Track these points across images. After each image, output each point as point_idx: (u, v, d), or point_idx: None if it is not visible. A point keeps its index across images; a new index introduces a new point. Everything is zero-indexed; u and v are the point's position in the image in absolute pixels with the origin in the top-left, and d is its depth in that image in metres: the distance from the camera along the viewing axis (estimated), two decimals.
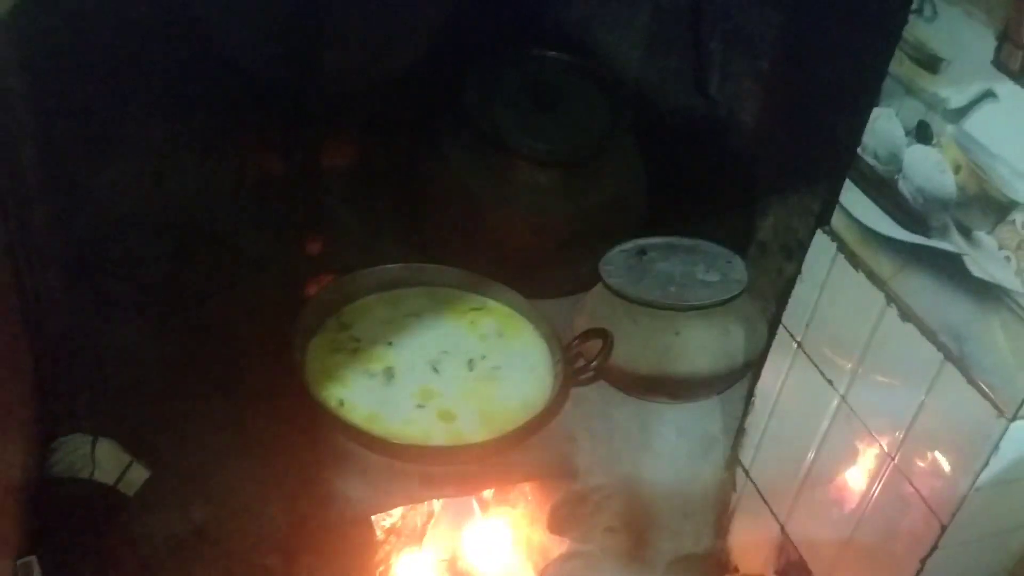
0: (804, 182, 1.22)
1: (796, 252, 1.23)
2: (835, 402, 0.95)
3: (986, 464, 0.77)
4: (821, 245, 0.96)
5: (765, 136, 1.29)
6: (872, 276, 0.89)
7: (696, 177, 1.42)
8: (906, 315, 0.84)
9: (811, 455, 1.00)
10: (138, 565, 0.91)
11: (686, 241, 1.27)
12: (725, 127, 1.36)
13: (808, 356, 0.99)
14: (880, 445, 0.89)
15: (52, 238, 1.12)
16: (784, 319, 1.03)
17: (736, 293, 1.15)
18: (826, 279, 0.96)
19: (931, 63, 0.78)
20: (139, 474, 0.92)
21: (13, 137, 0.85)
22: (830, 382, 0.96)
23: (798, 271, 1.17)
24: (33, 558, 0.78)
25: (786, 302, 1.07)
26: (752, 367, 1.17)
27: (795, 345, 1.01)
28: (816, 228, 1.04)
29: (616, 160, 1.34)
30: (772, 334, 1.10)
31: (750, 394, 1.12)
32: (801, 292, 1.00)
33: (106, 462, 0.91)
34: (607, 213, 1.31)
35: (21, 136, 0.86)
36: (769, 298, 1.27)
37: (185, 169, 1.36)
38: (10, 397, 0.82)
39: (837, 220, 0.94)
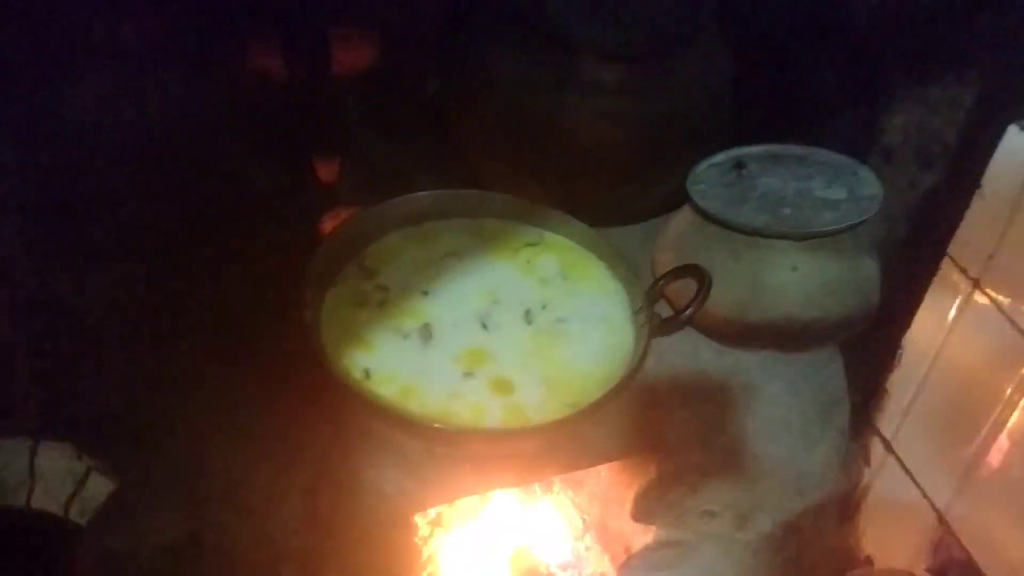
0: (954, 66, 0.94)
1: (938, 159, 0.96)
2: None
3: None
4: (1014, 147, 0.70)
5: (895, 10, 1.00)
6: None
7: (797, 68, 1.14)
8: None
9: (988, 427, 0.76)
10: None
11: (794, 149, 1.00)
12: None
13: (990, 298, 0.74)
14: None
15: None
16: (952, 249, 0.77)
17: (872, 213, 0.88)
18: (1022, 193, 0.69)
19: None
20: (101, 486, 0.70)
21: None
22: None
23: (940, 185, 0.92)
24: None
25: (934, 225, 0.81)
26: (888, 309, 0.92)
27: (968, 284, 0.76)
28: (977, 127, 0.78)
29: (699, 51, 1.06)
30: (917, 269, 0.85)
31: (893, 344, 0.87)
32: (980, 212, 0.74)
33: (52, 475, 0.69)
34: (690, 117, 1.04)
35: None
36: (898, 219, 1.01)
37: (168, 83, 1.11)
38: None
39: None
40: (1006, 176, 0.70)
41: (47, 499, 0.68)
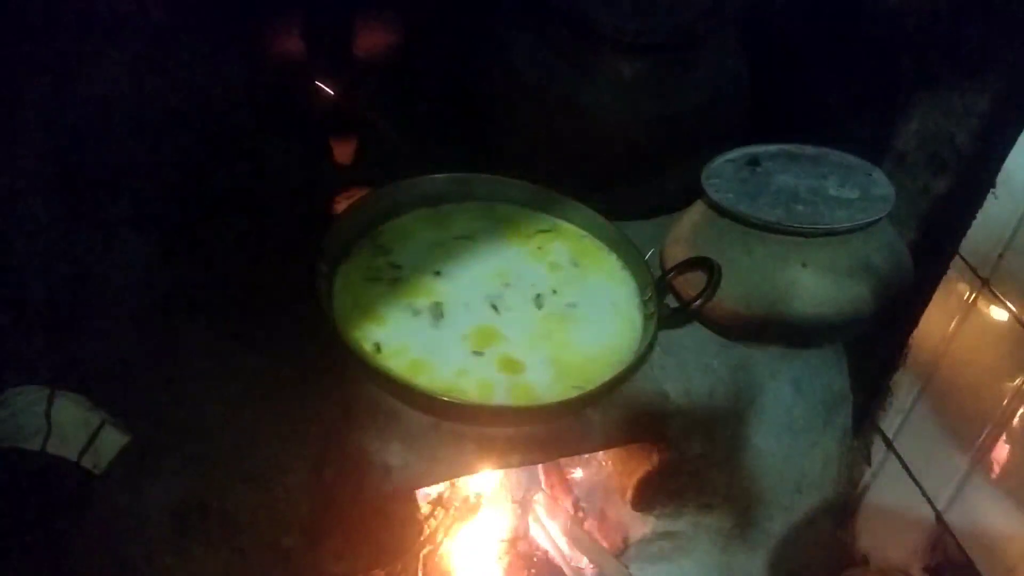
0: (969, 72, 0.94)
1: (951, 164, 0.97)
2: None
3: None
4: None
5: (913, 10, 1.01)
6: None
7: (813, 71, 1.15)
8: None
9: (991, 428, 0.76)
10: (117, 550, 0.70)
11: (809, 149, 1.01)
12: (856, 2, 1.08)
13: (999, 298, 0.74)
14: None
15: (24, 136, 0.90)
16: (963, 248, 0.78)
17: (883, 213, 0.89)
18: None
19: None
20: (114, 439, 0.71)
21: None
22: None
23: (952, 189, 0.93)
24: None
25: (945, 228, 0.82)
26: (895, 308, 0.92)
27: (978, 283, 0.76)
28: (991, 131, 0.78)
29: (717, 50, 1.08)
30: (928, 270, 0.85)
31: (899, 344, 0.88)
32: (992, 213, 0.75)
33: (67, 424, 0.69)
34: (707, 113, 1.05)
35: None
36: (909, 223, 1.01)
37: (192, 59, 1.12)
38: None
39: None
40: (1020, 176, 0.71)
41: (62, 447, 0.69)
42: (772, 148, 1.01)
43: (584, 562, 1.01)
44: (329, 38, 1.13)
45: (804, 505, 0.97)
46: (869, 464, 0.92)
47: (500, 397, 0.81)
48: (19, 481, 0.67)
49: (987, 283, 0.75)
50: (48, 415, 0.70)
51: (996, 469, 0.77)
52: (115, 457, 0.72)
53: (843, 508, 0.96)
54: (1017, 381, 0.73)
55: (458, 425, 0.83)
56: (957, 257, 0.78)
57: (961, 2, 0.94)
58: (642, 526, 0.97)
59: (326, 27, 1.14)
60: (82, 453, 0.70)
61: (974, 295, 0.76)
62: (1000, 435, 0.76)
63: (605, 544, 0.99)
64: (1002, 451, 0.76)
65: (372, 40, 1.18)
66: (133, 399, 0.80)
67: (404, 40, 1.18)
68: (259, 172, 1.11)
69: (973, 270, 0.76)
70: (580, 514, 1.02)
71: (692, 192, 0.99)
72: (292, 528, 0.82)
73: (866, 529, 0.94)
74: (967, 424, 0.78)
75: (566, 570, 1.00)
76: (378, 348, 0.84)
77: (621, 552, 0.98)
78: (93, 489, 0.70)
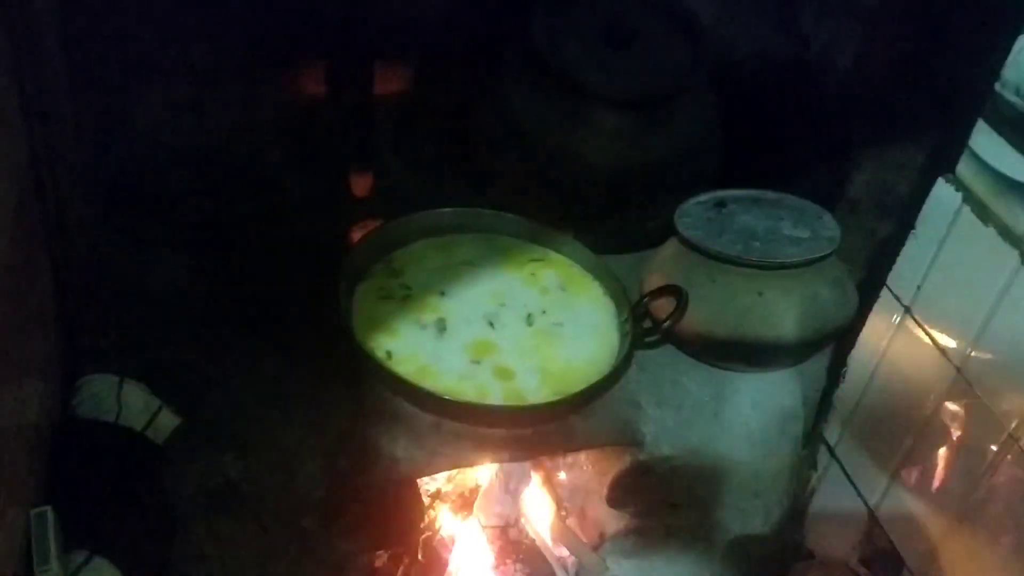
0: (908, 132, 1.09)
1: (894, 210, 1.11)
2: (950, 375, 0.84)
3: None
4: (942, 195, 0.85)
5: (863, 80, 1.16)
6: (1005, 231, 0.77)
7: (777, 127, 1.29)
8: None
9: (913, 435, 0.89)
10: (165, 517, 0.83)
11: (770, 194, 1.15)
12: (815, 70, 1.23)
13: (918, 322, 0.88)
14: (1003, 425, 0.78)
15: (86, 165, 1.04)
16: (889, 280, 0.92)
17: (829, 251, 1.03)
18: (946, 235, 0.84)
19: None
20: (169, 421, 0.84)
21: (42, 57, 0.76)
22: (943, 352, 0.84)
23: (894, 232, 1.06)
24: (48, 509, 0.70)
25: (884, 264, 0.96)
26: (840, 335, 1.06)
27: (902, 310, 0.90)
28: (923, 182, 0.92)
29: (692, 105, 1.22)
30: (865, 300, 0.99)
31: (840, 364, 1.01)
32: (913, 249, 0.89)
33: (133, 406, 0.83)
34: (682, 161, 1.19)
35: (50, 57, 0.76)
36: (858, 261, 1.15)
37: (227, 100, 1.26)
38: (26, 325, 0.73)
39: (965, 167, 0.83)
40: (934, 220, 0.85)
41: (129, 424, 0.82)
42: (738, 192, 1.15)
43: (565, 552, 1.13)
44: (352, 85, 1.28)
45: (760, 507, 1.09)
46: (816, 470, 1.05)
47: (495, 400, 0.94)
48: (97, 447, 0.80)
49: (909, 310, 0.88)
50: (119, 397, 0.83)
51: (918, 470, 0.89)
52: (169, 437, 0.84)
53: (793, 510, 1.08)
54: (935, 394, 0.86)
55: (457, 424, 0.96)
56: (885, 287, 0.91)
57: (901, 74, 1.09)
58: (617, 523, 1.09)
59: (348, 76, 1.28)
60: (145, 428, 0.83)
61: (899, 319, 0.90)
62: (921, 441, 0.89)
63: (584, 538, 1.11)
64: (923, 455, 0.89)
65: (388, 88, 1.33)
66: (180, 392, 0.92)
67: (416, 89, 1.33)
68: (285, 202, 1.25)
69: (897, 298, 0.90)
70: (563, 511, 1.14)
71: (667, 229, 1.12)
72: (310, 510, 0.95)
73: (813, 527, 1.07)
74: (894, 432, 0.91)
75: (549, 558, 1.12)
76: (389, 355, 0.96)
77: (598, 546, 1.10)
78: (151, 459, 0.83)
